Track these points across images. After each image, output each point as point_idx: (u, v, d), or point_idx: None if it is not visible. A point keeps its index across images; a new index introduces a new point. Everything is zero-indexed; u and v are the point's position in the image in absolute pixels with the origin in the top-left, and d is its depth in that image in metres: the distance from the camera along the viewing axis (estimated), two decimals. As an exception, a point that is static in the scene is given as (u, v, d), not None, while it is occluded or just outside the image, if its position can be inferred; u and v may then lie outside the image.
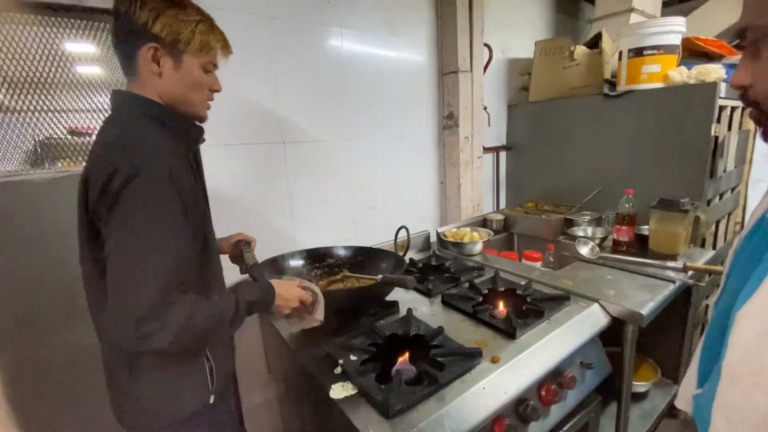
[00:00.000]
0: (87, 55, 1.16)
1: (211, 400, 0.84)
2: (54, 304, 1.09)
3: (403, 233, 1.48)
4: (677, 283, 1.27)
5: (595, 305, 1.19)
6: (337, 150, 1.59)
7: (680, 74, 1.57)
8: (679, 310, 1.46)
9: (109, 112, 0.81)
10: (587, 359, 1.12)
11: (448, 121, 1.87)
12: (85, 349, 1.09)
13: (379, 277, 1.15)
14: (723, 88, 1.51)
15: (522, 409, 0.94)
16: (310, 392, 1.02)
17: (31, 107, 1.09)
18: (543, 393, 0.99)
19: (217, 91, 0.86)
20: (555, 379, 1.02)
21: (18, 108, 1.07)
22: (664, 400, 1.53)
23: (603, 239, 1.66)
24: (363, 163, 1.67)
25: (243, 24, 1.28)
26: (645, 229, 1.56)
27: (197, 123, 0.87)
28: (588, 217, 1.80)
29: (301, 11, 1.41)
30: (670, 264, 1.35)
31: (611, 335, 1.18)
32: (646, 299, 1.17)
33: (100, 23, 1.12)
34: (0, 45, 1.01)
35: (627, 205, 1.51)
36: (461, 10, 1.74)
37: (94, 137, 1.17)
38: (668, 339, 1.56)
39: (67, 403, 1.15)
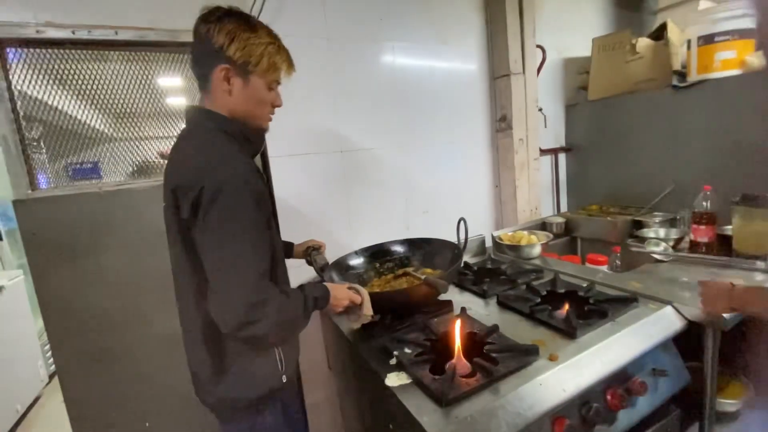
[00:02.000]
0: (175, 87, 1.35)
1: (284, 380, 0.94)
2: (153, 294, 1.26)
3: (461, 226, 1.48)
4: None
5: (668, 308, 1.11)
6: (391, 157, 1.66)
7: (758, 59, 1.43)
8: (774, 318, 1.29)
9: (185, 125, 0.92)
10: (660, 365, 1.04)
11: (501, 123, 1.87)
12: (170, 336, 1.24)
13: (423, 277, 1.18)
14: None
15: (585, 411, 0.90)
16: (368, 383, 1.06)
17: (131, 136, 1.29)
18: (609, 396, 0.94)
19: (278, 106, 0.94)
20: (622, 384, 0.97)
21: (119, 137, 1.28)
22: (763, 425, 1.35)
23: (678, 240, 1.53)
24: (416, 169, 1.73)
25: (305, 46, 1.42)
26: (727, 230, 1.42)
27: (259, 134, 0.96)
28: (659, 218, 1.67)
29: (355, 30, 1.52)
30: (758, 264, 1.21)
31: (692, 348, 1.09)
32: (728, 301, 1.07)
33: (186, 56, 1.31)
34: (107, 81, 1.23)
35: (704, 203, 1.39)
36: (511, 14, 1.75)
37: None
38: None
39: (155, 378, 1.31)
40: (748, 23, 1.49)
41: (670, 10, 2.00)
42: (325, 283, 0.98)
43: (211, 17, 0.82)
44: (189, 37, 1.21)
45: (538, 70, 1.93)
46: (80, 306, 1.20)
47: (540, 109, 1.97)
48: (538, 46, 1.91)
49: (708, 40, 1.54)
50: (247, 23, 0.83)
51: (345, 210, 1.57)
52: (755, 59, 1.45)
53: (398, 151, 1.67)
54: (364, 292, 1.05)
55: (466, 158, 1.87)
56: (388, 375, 0.94)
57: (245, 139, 0.90)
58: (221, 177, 0.75)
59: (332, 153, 1.52)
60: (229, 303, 0.75)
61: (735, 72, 1.51)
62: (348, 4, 1.49)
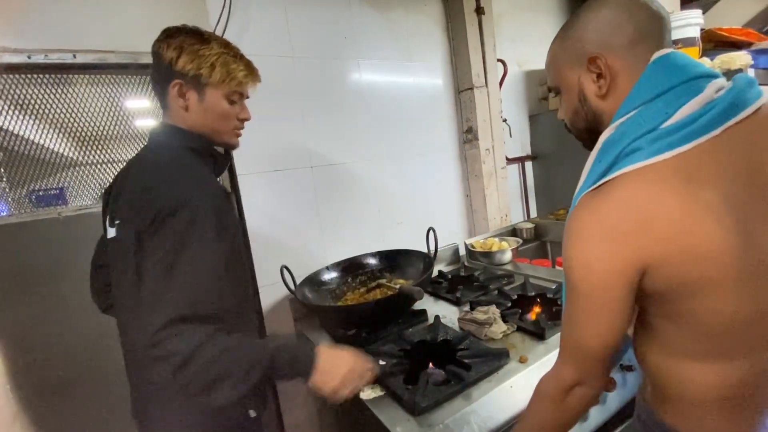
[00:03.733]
0: (142, 109, 1.33)
1: (252, 415, 0.82)
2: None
3: (431, 235, 1.50)
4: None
5: (631, 304, 1.15)
6: (363, 171, 1.68)
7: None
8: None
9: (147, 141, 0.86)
10: (627, 361, 1.07)
11: (468, 135, 1.92)
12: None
13: (398, 287, 1.19)
14: (751, 74, 1.45)
15: (556, 410, 0.92)
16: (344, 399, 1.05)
17: (98, 160, 1.26)
18: (578, 395, 0.96)
19: (245, 119, 0.88)
20: (591, 381, 0.99)
21: (86, 161, 1.25)
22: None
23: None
24: (388, 182, 1.75)
25: (271, 65, 1.43)
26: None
27: (226, 151, 0.90)
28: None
29: (320, 49, 1.55)
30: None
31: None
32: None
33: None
34: (70, 105, 1.21)
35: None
36: (471, 31, 1.82)
37: None
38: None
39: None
40: (691, 32, 1.60)
41: (619, 23, 2.13)
42: (321, 347, 0.79)
43: (162, 35, 0.80)
44: (150, 59, 1.22)
45: (501, 82, 2.01)
46: (40, 337, 1.15)
47: (504, 120, 2.04)
48: (500, 60, 1.99)
49: (653, 50, 1.65)
50: (198, 35, 0.80)
51: (317, 225, 1.57)
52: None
53: (370, 164, 1.70)
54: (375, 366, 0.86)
55: (436, 169, 1.91)
56: (363, 388, 0.93)
57: (210, 156, 0.87)
58: (183, 196, 0.69)
59: (302, 168, 1.53)
60: (141, 328, 0.64)
61: (679, 79, 1.61)
62: (312, 24, 1.52)
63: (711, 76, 0.53)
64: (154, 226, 0.68)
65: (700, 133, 0.49)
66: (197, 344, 0.64)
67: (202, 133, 0.83)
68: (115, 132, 1.29)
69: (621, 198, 0.51)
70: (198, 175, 0.76)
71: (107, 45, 1.17)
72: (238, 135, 0.90)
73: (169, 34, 0.79)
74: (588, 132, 0.63)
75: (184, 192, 0.71)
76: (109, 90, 1.26)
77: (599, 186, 0.54)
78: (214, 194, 0.74)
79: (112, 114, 1.27)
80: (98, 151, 1.27)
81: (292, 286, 1.28)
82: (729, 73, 1.47)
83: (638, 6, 0.56)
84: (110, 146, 1.28)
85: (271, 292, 1.44)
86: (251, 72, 0.85)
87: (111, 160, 1.28)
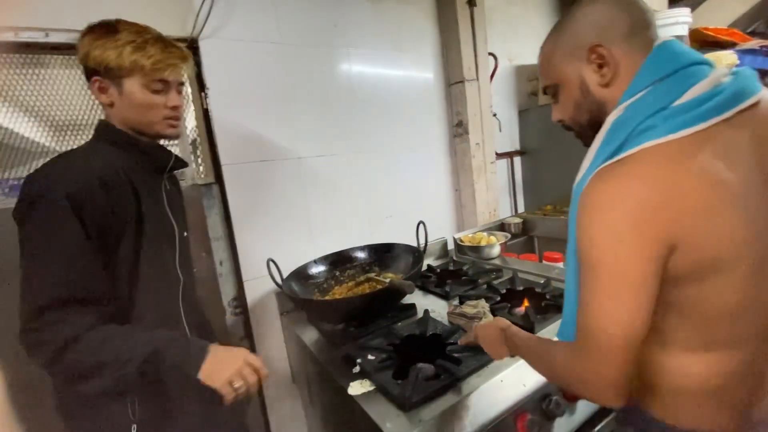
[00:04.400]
0: None
1: (134, 430, 0.77)
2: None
3: (421, 229, 1.49)
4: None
5: (618, 299, 1.16)
6: (352, 163, 1.65)
7: (690, 63, 1.55)
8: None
9: None
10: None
11: (458, 129, 1.91)
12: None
13: (387, 280, 1.17)
14: (736, 73, 1.48)
15: (546, 404, 0.92)
16: (332, 393, 1.03)
17: (73, 148, 1.20)
18: (567, 388, 0.96)
19: (175, 106, 0.83)
20: (579, 375, 1.00)
21: (60, 150, 1.18)
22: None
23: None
24: (377, 175, 1.72)
25: (259, 52, 1.39)
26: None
27: (167, 144, 0.88)
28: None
29: (309, 36, 1.50)
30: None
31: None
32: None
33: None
34: (43, 89, 1.14)
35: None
36: (463, 23, 1.80)
37: None
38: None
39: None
40: (680, 30, 1.62)
41: (608, 20, 2.14)
42: (214, 346, 0.77)
43: (80, 34, 0.78)
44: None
45: (491, 76, 2.00)
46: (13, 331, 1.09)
47: (494, 115, 2.03)
48: (491, 54, 1.98)
49: (642, 47, 1.66)
50: (107, 27, 0.77)
51: (305, 218, 1.54)
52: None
53: (359, 156, 1.67)
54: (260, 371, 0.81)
55: (426, 163, 1.89)
56: (351, 384, 0.91)
57: (141, 152, 0.84)
58: (39, 189, 0.69)
59: (289, 159, 1.49)
60: (20, 306, 0.68)
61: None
62: (300, 10, 1.48)
63: (709, 63, 0.55)
64: (20, 214, 0.70)
65: (715, 112, 0.49)
66: (70, 334, 0.67)
67: (135, 127, 0.82)
68: (94, 119, 1.22)
69: (646, 172, 0.49)
70: (78, 166, 0.74)
71: (83, 23, 1.10)
72: (173, 125, 0.85)
73: (82, 33, 0.78)
74: (591, 125, 0.63)
75: (38, 189, 0.70)
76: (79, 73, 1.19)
77: (615, 162, 0.52)
78: (74, 189, 0.70)
79: (90, 99, 1.21)
80: (75, 139, 1.20)
81: (278, 280, 1.25)
82: (715, 72, 1.49)
83: (629, 1, 0.59)
84: (88, 134, 1.22)
85: (256, 285, 1.40)
86: (165, 57, 0.79)
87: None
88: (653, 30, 0.59)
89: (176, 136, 0.88)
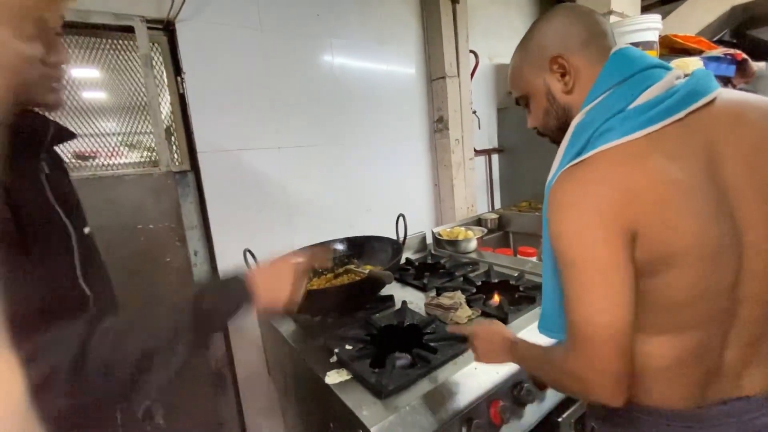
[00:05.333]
0: (91, 79, 1.20)
1: None
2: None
3: (401, 222, 1.50)
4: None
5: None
6: (333, 154, 1.64)
7: (659, 68, 1.62)
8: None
9: None
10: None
11: (438, 124, 1.93)
12: None
13: (366, 271, 1.18)
14: (701, 79, 1.55)
15: (517, 391, 0.95)
16: (308, 384, 1.03)
17: None
18: (537, 376, 1.00)
19: (59, 63, 0.56)
20: (549, 363, 1.03)
21: None
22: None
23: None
24: (358, 167, 1.72)
25: (235, 36, 1.35)
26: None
27: (44, 113, 0.61)
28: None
29: (291, 24, 1.48)
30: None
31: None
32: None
33: (103, 41, 1.19)
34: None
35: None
36: (446, 19, 1.82)
37: (99, 161, 1.21)
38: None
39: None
40: (651, 36, 1.68)
41: (585, 24, 2.21)
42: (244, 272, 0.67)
43: None
44: (102, 19, 1.11)
45: (472, 74, 2.03)
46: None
47: (474, 112, 2.06)
48: (472, 52, 2.01)
49: (616, 51, 1.72)
50: None
51: (284, 208, 1.52)
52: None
53: (340, 148, 1.66)
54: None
55: (407, 157, 1.90)
56: (328, 373, 0.92)
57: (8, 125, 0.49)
58: None
59: (269, 149, 1.47)
60: None
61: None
62: (283, -3, 1.45)
63: (665, 67, 0.60)
64: None
65: (667, 114, 0.53)
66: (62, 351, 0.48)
67: None
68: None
69: (604, 173, 0.53)
70: None
71: None
72: (56, 89, 0.57)
73: None
74: (560, 129, 0.67)
75: None
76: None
77: (577, 163, 0.56)
78: None
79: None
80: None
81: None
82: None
83: (583, 14, 0.65)
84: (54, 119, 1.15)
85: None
86: None
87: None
88: (610, 38, 0.64)
89: (59, 106, 0.60)
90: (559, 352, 0.61)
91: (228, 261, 1.36)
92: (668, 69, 0.59)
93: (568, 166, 0.57)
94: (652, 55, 1.72)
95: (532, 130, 0.77)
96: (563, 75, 0.64)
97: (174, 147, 1.35)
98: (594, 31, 0.63)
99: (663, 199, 0.51)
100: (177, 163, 1.34)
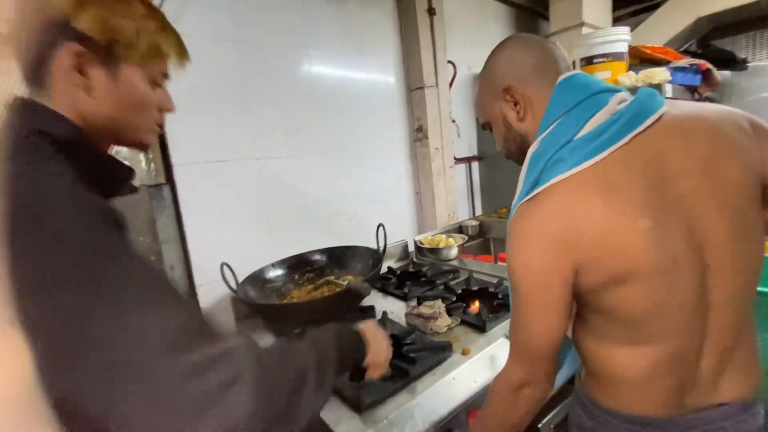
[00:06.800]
0: None
1: None
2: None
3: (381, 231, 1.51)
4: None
5: (564, 297, 1.23)
6: (312, 165, 1.63)
7: (629, 78, 1.68)
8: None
9: None
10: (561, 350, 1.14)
11: (418, 133, 1.95)
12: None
13: (346, 283, 1.18)
14: (669, 88, 1.62)
15: (496, 400, 0.96)
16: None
17: None
18: (516, 384, 1.01)
19: (169, 111, 0.64)
20: (528, 370, 1.04)
21: None
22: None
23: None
24: (339, 177, 1.72)
25: (215, 49, 1.35)
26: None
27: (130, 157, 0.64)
28: (558, 218, 1.86)
29: (268, 35, 1.48)
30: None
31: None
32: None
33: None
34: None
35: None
36: (423, 30, 1.84)
37: None
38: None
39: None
40: (620, 47, 1.74)
41: (559, 34, 2.27)
42: (361, 326, 0.74)
43: None
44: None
45: (450, 83, 2.06)
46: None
47: (453, 121, 2.09)
48: (450, 62, 2.04)
49: (588, 61, 1.77)
50: None
51: (263, 220, 1.51)
52: (625, 79, 1.69)
53: (320, 158, 1.66)
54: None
55: (388, 166, 1.91)
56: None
57: (98, 167, 0.54)
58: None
59: (247, 160, 1.46)
60: None
61: (610, 90, 1.74)
62: (259, 10, 1.45)
63: (612, 90, 0.62)
64: None
65: (611, 141, 0.55)
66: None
67: (112, 128, 0.56)
68: None
69: (551, 207, 0.56)
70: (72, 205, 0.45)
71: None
72: (157, 132, 0.64)
73: None
74: (520, 153, 0.71)
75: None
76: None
77: (530, 199, 0.59)
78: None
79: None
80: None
81: (233, 285, 1.22)
82: (650, 87, 1.62)
83: (533, 43, 0.69)
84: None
85: (210, 290, 1.36)
86: (184, 48, 0.63)
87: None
88: (560, 65, 0.67)
89: (149, 147, 0.70)
90: (501, 378, 0.68)
91: (206, 275, 1.34)
92: (615, 92, 0.61)
93: (522, 201, 0.60)
94: (622, 68, 1.77)
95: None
96: (515, 104, 0.68)
97: (149, 159, 1.33)
98: (543, 60, 0.66)
99: (608, 226, 0.53)
100: (152, 176, 1.32)
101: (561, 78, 0.64)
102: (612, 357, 0.62)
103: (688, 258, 0.55)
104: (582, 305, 0.64)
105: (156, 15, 0.58)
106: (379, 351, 0.75)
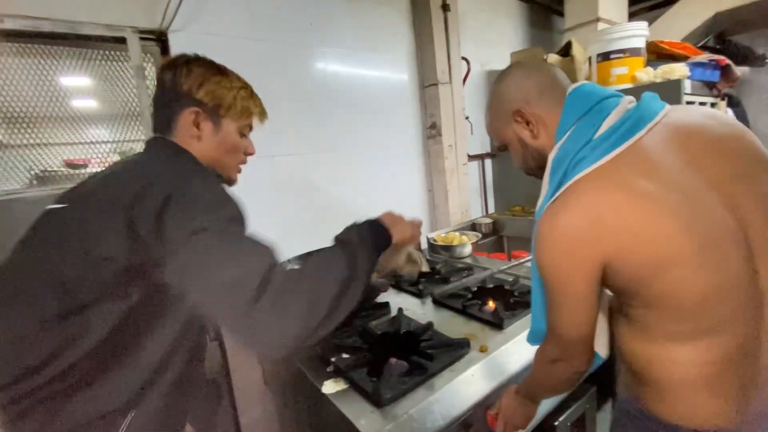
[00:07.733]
0: (82, 87, 1.20)
1: None
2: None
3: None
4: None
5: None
6: (327, 162, 1.64)
7: (647, 74, 1.66)
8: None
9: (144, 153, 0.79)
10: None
11: (431, 130, 1.95)
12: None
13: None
14: (688, 84, 1.59)
15: (514, 397, 0.96)
16: (305, 393, 1.03)
17: (28, 143, 1.13)
18: (533, 381, 1.00)
19: (251, 154, 0.89)
20: (545, 368, 1.04)
21: (12, 143, 1.11)
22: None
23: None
24: (352, 175, 1.73)
25: (230, 47, 1.36)
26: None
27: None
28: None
29: (284, 33, 1.49)
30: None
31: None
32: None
33: (95, 52, 1.19)
34: (-2, 77, 1.07)
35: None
36: (437, 27, 1.84)
37: (90, 169, 1.21)
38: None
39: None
40: (638, 43, 1.72)
41: (574, 30, 2.24)
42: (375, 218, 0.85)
43: (178, 61, 0.79)
44: (95, 30, 1.11)
45: (464, 80, 2.05)
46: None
47: (467, 117, 2.08)
48: (463, 58, 2.03)
49: (605, 57, 1.75)
50: (216, 67, 0.82)
51: (278, 217, 1.52)
52: (643, 75, 1.67)
53: (334, 156, 1.66)
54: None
55: (401, 164, 1.91)
56: (325, 382, 0.92)
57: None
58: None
59: (262, 158, 1.46)
60: None
61: (628, 86, 1.72)
62: (275, 7, 1.46)
63: (616, 95, 0.67)
64: None
65: (626, 137, 0.59)
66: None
67: (212, 166, 0.82)
68: (50, 112, 1.16)
69: (575, 203, 0.58)
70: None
71: (41, 11, 1.05)
72: (240, 171, 0.90)
73: (187, 62, 0.79)
74: (540, 167, 0.74)
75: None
76: (41, 63, 1.13)
77: (556, 198, 0.61)
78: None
79: (45, 91, 1.14)
80: (29, 133, 1.13)
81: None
82: (670, 83, 1.60)
83: (534, 68, 0.75)
84: (44, 128, 1.15)
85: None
86: (264, 110, 0.89)
87: (45, 143, 1.15)
88: (562, 82, 0.72)
89: (236, 182, 0.91)
90: (541, 349, 0.74)
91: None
92: (620, 97, 0.66)
93: (551, 200, 0.62)
94: (639, 63, 1.75)
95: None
96: (528, 124, 0.72)
97: (167, 157, 1.35)
98: (545, 81, 0.72)
99: (632, 212, 0.55)
100: (170, 173, 1.34)
101: (571, 89, 0.69)
102: (668, 356, 0.58)
103: (729, 239, 0.55)
104: (630, 303, 0.61)
105: (247, 86, 0.85)
106: (402, 230, 0.86)
